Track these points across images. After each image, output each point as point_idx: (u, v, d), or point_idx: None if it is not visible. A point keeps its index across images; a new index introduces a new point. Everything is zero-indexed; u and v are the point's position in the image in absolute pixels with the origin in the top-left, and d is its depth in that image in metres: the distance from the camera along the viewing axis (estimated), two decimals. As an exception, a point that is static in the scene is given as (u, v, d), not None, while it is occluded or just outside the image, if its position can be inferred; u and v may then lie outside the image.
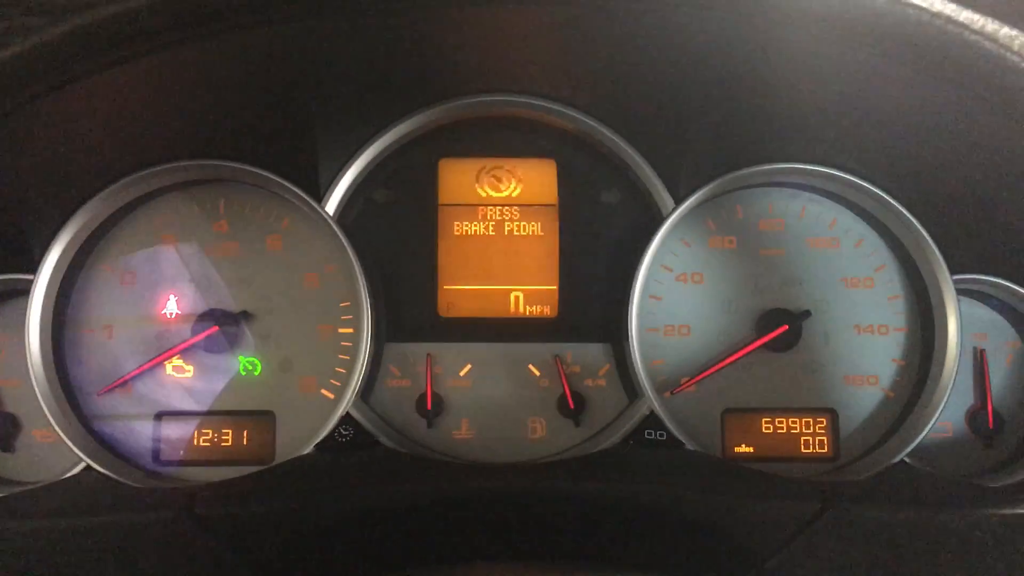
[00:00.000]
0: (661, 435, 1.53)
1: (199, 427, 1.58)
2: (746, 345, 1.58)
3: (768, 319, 1.60)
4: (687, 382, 1.58)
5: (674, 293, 1.62)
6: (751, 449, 1.60)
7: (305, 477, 1.41)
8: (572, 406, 1.58)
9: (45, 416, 1.51)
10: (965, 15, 1.02)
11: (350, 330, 1.58)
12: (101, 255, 1.59)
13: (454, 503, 1.31)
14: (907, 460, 1.53)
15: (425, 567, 1.20)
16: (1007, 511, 1.28)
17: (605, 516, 1.32)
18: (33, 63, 1.00)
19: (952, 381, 1.55)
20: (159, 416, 1.58)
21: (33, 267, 1.51)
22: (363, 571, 1.23)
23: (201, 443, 1.58)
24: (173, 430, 1.58)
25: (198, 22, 1.02)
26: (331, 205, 1.55)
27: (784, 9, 1.06)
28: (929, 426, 1.53)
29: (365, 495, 1.29)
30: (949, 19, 1.02)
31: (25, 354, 1.51)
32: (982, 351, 1.61)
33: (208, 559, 1.27)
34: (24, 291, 1.52)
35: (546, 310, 1.63)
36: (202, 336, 1.56)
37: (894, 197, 1.56)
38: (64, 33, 0.99)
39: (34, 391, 1.51)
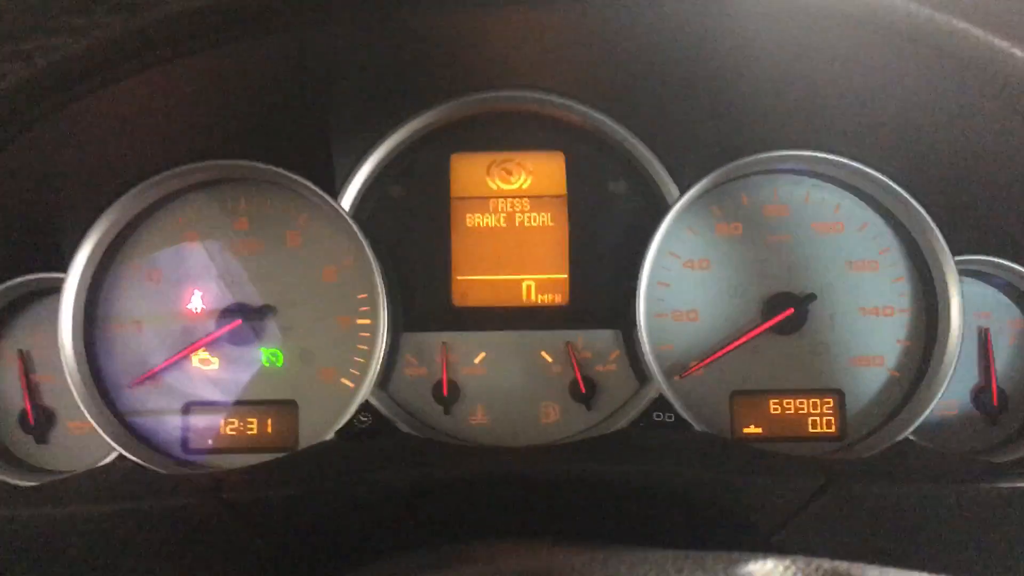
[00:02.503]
0: (670, 417, 1.58)
1: (225, 416, 1.64)
2: (753, 329, 1.62)
3: (774, 303, 1.63)
4: (696, 366, 1.62)
5: (682, 280, 1.66)
6: (760, 430, 1.64)
7: (327, 462, 1.47)
8: (584, 391, 1.62)
9: (79, 408, 1.57)
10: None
11: (368, 321, 1.64)
12: (128, 254, 1.65)
13: (470, 485, 1.36)
14: (912, 438, 1.57)
15: (441, 545, 1.25)
16: (1008, 485, 1.31)
17: (615, 495, 1.36)
18: (66, 72, 1.06)
19: (956, 360, 1.57)
20: (187, 407, 1.64)
21: (64, 266, 1.58)
22: (382, 551, 1.28)
23: (227, 432, 1.64)
24: (201, 420, 1.64)
25: (232, 27, 1.07)
26: (346, 201, 1.60)
27: (785, 3, 1.10)
28: (933, 404, 1.56)
29: (385, 478, 1.34)
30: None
31: (58, 350, 1.58)
32: (986, 330, 1.63)
33: (235, 542, 1.33)
34: (56, 289, 1.58)
35: (557, 298, 1.67)
36: (226, 329, 1.62)
37: (896, 181, 1.58)
38: (100, 41, 1.03)
39: (68, 385, 1.57)
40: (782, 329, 1.63)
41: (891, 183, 1.58)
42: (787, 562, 0.71)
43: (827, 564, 0.70)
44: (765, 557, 0.71)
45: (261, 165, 1.59)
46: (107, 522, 1.30)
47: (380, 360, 1.59)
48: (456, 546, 1.00)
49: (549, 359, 1.66)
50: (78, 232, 1.58)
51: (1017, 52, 1.07)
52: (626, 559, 0.71)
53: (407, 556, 1.03)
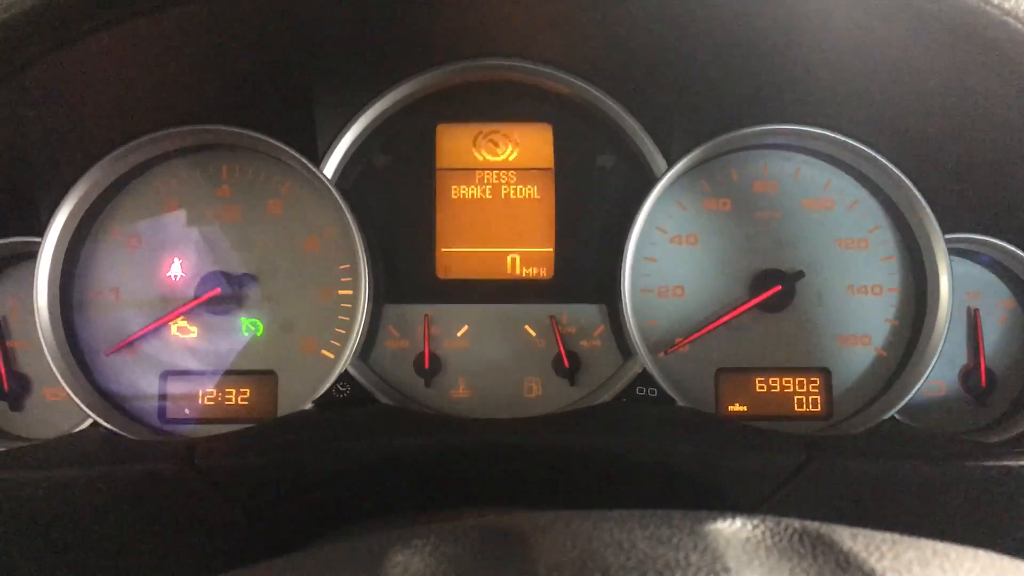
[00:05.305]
0: (652, 391, 1.55)
1: (203, 386, 1.62)
2: (740, 305, 1.60)
3: (762, 280, 1.61)
4: (681, 342, 1.60)
5: (669, 255, 1.64)
6: (745, 408, 1.62)
7: (301, 430, 1.45)
8: (567, 366, 1.60)
9: (54, 375, 1.55)
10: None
11: (349, 292, 1.61)
12: (107, 219, 1.62)
13: (446, 455, 1.35)
14: (897, 417, 1.55)
15: (414, 515, 1.23)
16: (994, 463, 1.29)
17: (595, 468, 1.35)
18: (33, 22, 1.03)
19: (943, 339, 1.55)
20: (164, 375, 1.62)
21: (41, 230, 1.55)
22: (355, 520, 1.26)
23: (205, 402, 1.62)
24: (178, 389, 1.62)
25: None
26: (329, 169, 1.57)
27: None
28: (919, 384, 1.54)
29: (359, 447, 1.32)
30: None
31: (34, 316, 1.55)
32: (975, 310, 1.61)
33: (208, 509, 1.31)
34: (33, 254, 1.55)
35: (542, 272, 1.65)
36: (206, 297, 1.59)
37: (887, 158, 1.56)
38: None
39: (43, 351, 1.55)
40: (769, 306, 1.61)
41: (882, 159, 1.56)
42: (755, 520, 0.69)
43: (796, 523, 0.68)
44: (734, 516, 0.69)
45: (243, 131, 1.56)
46: (78, 487, 1.28)
47: (361, 331, 1.57)
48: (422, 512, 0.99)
49: (533, 333, 1.64)
50: (55, 195, 1.55)
51: (1010, 21, 1.04)
52: (592, 516, 0.69)
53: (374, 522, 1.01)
